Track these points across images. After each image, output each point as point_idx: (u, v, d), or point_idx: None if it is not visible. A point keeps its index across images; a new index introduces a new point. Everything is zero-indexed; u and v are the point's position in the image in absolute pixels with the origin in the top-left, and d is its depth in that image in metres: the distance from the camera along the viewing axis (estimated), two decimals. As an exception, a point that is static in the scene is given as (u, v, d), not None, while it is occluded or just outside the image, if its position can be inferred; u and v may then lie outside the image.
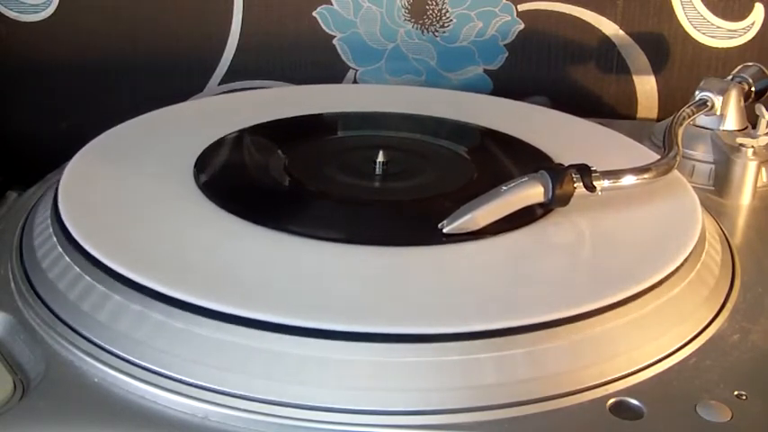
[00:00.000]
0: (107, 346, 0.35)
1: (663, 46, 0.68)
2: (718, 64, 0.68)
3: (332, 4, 0.69)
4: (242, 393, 0.32)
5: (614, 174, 0.42)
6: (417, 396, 0.32)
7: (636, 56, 0.69)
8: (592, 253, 0.41)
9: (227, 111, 0.58)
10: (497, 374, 0.33)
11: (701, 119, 0.54)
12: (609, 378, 0.34)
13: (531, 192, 0.41)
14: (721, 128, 0.54)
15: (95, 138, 0.51)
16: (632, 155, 0.49)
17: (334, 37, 0.70)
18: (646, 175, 0.43)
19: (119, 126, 0.53)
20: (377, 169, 0.48)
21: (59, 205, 0.42)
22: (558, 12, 0.68)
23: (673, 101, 0.69)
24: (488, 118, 0.57)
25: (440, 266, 0.38)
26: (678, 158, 0.46)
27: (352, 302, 0.35)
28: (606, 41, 0.69)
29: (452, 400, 0.32)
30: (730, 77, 0.56)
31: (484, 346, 0.33)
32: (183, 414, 0.32)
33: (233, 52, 0.70)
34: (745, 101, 0.55)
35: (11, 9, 0.69)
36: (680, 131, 0.49)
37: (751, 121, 0.54)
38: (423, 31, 0.69)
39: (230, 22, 0.70)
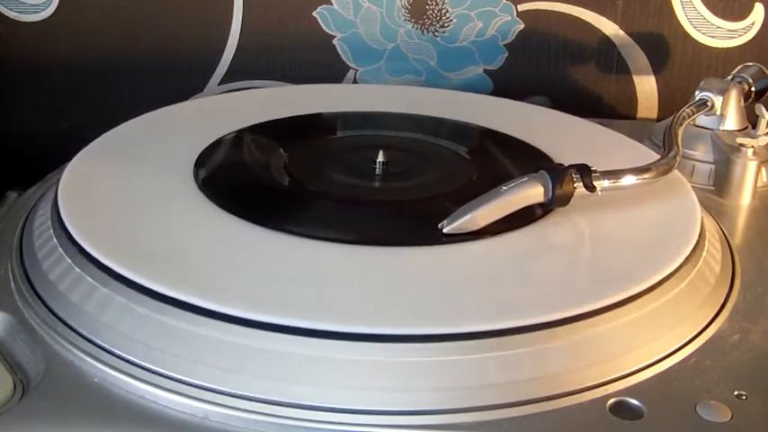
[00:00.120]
0: (107, 346, 0.35)
1: (663, 46, 0.68)
2: (718, 64, 0.68)
3: (332, 4, 0.69)
4: (242, 393, 0.32)
5: (614, 174, 0.42)
6: (417, 396, 0.32)
7: (636, 56, 0.69)
8: (592, 253, 0.41)
9: (227, 111, 0.58)
10: (497, 374, 0.33)
11: (701, 119, 0.54)
12: (609, 378, 0.34)
13: (531, 192, 0.41)
14: (721, 128, 0.54)
15: (96, 138, 0.51)
16: (632, 155, 0.49)
17: (334, 37, 0.70)
18: (646, 175, 0.43)
19: (119, 126, 0.53)
20: (377, 169, 0.48)
21: (59, 205, 0.42)
22: (558, 12, 0.68)
23: (673, 101, 0.69)
24: (488, 118, 0.57)
25: (440, 266, 0.38)
26: (678, 158, 0.45)
27: (351, 302, 0.35)
28: (606, 41, 0.69)
29: (452, 400, 0.32)
30: (730, 77, 0.56)
31: (484, 346, 0.33)
32: (183, 414, 0.32)
33: (233, 52, 0.70)
34: (745, 101, 0.55)
35: (11, 9, 0.69)
36: (680, 131, 0.49)
37: (751, 121, 0.54)
38: (423, 31, 0.69)
39: (230, 22, 0.70)
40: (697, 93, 0.55)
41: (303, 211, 0.44)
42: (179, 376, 0.33)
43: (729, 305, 0.40)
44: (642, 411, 0.33)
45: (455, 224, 0.40)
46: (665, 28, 0.68)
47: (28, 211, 0.46)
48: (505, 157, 0.52)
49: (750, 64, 0.57)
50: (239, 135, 0.53)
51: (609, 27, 0.68)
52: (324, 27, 0.70)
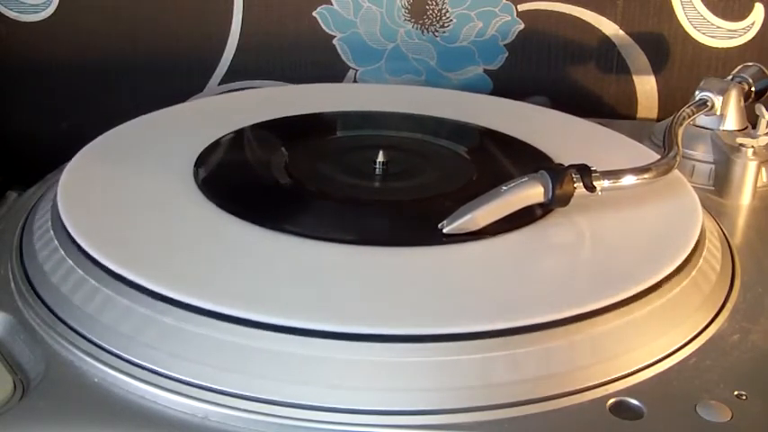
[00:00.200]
0: (107, 346, 0.35)
1: (663, 46, 0.68)
2: (718, 64, 0.68)
3: (332, 4, 0.69)
4: (242, 393, 0.32)
5: (614, 174, 0.42)
6: (417, 396, 0.32)
7: (636, 56, 0.69)
8: (592, 253, 0.41)
9: (227, 111, 0.58)
10: (497, 374, 0.33)
11: (701, 119, 0.54)
12: (609, 378, 0.34)
13: (531, 192, 0.41)
14: (721, 128, 0.54)
15: (95, 138, 0.51)
16: (632, 155, 0.49)
17: (334, 37, 0.70)
18: (646, 175, 0.43)
19: (119, 126, 0.53)
20: (377, 169, 0.48)
21: (59, 205, 0.42)
22: (558, 12, 0.68)
23: (673, 101, 0.69)
24: (488, 118, 0.57)
25: (440, 267, 0.38)
26: (678, 158, 0.45)
27: (351, 302, 0.35)
28: (606, 41, 0.69)
29: (452, 400, 0.32)
30: (730, 77, 0.56)
31: (484, 347, 0.33)
32: (183, 414, 0.32)
33: (233, 52, 0.70)
34: (745, 101, 0.55)
35: (11, 9, 0.69)
36: (680, 131, 0.49)
37: (751, 121, 0.54)
38: (423, 31, 0.69)
39: (230, 22, 0.70)
40: (697, 93, 0.55)
41: (303, 211, 0.44)
42: (179, 376, 0.33)
43: (729, 305, 0.40)
44: (642, 411, 0.33)
45: (455, 224, 0.40)
46: (665, 28, 0.68)
47: (28, 211, 0.46)
48: (505, 157, 0.52)
49: (750, 64, 0.57)
50: (239, 135, 0.53)
51: (609, 27, 0.68)
52: (324, 27, 0.70)
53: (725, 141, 0.52)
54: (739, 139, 0.52)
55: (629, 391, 0.34)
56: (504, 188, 0.41)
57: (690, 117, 0.52)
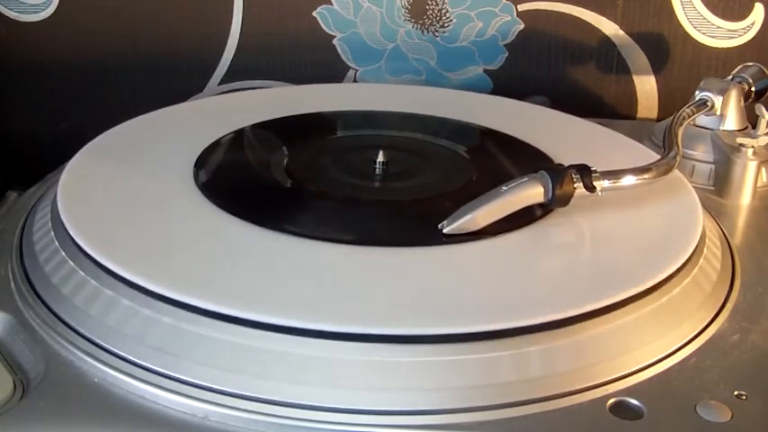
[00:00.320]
0: (107, 346, 0.35)
1: (663, 46, 0.68)
2: (718, 64, 0.68)
3: (332, 4, 0.69)
4: (242, 393, 0.32)
5: (614, 174, 0.42)
6: (417, 396, 0.32)
7: (636, 56, 0.69)
8: (592, 253, 0.41)
9: (227, 111, 0.58)
10: (497, 375, 0.33)
11: (701, 119, 0.54)
12: (609, 378, 0.34)
13: (532, 192, 0.41)
14: (721, 128, 0.54)
15: (95, 138, 0.51)
16: (632, 155, 0.49)
17: (334, 37, 0.70)
18: (646, 176, 0.43)
19: (119, 126, 0.53)
20: (377, 169, 0.48)
21: (59, 205, 0.42)
22: (558, 12, 0.68)
23: (673, 101, 0.69)
24: (488, 118, 0.57)
25: (440, 267, 0.38)
26: (678, 158, 0.45)
27: (352, 303, 0.35)
28: (606, 41, 0.69)
29: (452, 400, 0.32)
30: (730, 77, 0.56)
31: (484, 347, 0.33)
32: (183, 414, 0.32)
33: (233, 52, 0.70)
34: (745, 101, 0.55)
35: (11, 9, 0.69)
36: (680, 131, 0.49)
37: (751, 121, 0.54)
38: (423, 31, 0.69)
39: (230, 22, 0.70)
40: (697, 93, 0.55)
41: (303, 211, 0.44)
42: (179, 376, 0.33)
43: (729, 305, 0.40)
44: (642, 411, 0.33)
45: (455, 224, 0.40)
46: (665, 28, 0.68)
47: (28, 211, 0.46)
48: (505, 157, 0.52)
49: (750, 64, 0.57)
50: (239, 135, 0.53)
51: (609, 27, 0.68)
52: (324, 27, 0.70)
53: (725, 141, 0.52)
54: (739, 139, 0.52)
55: (629, 391, 0.34)
56: (505, 188, 0.41)
57: (690, 117, 0.52)
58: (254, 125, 0.54)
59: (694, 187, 0.47)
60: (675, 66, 0.69)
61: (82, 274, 0.37)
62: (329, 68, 0.71)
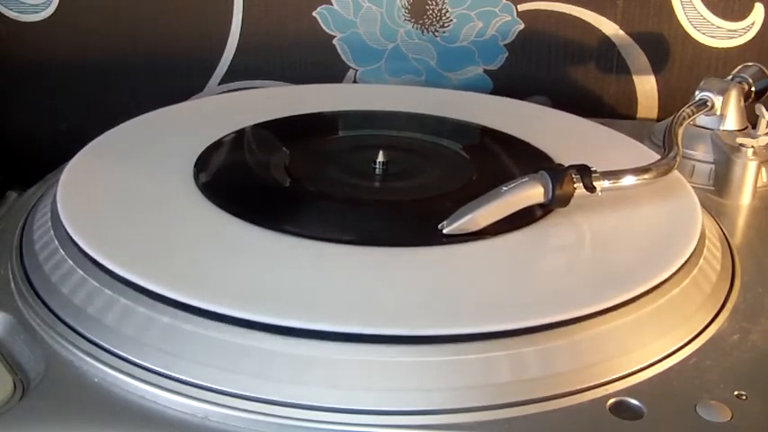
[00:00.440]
0: (107, 346, 0.35)
1: (663, 46, 0.68)
2: (718, 64, 0.68)
3: (332, 4, 0.69)
4: (242, 393, 0.32)
5: (614, 174, 0.42)
6: (417, 396, 0.32)
7: (636, 56, 0.69)
8: (592, 253, 0.41)
9: (227, 111, 0.58)
10: (497, 375, 0.33)
11: (701, 119, 0.54)
12: (609, 378, 0.34)
13: (532, 192, 0.41)
14: (721, 128, 0.54)
15: (95, 138, 0.51)
16: (632, 155, 0.49)
17: (334, 37, 0.70)
18: (646, 176, 0.43)
19: (119, 126, 0.53)
20: (377, 169, 0.48)
21: (59, 205, 0.42)
22: (558, 12, 0.68)
23: (673, 101, 0.69)
24: (488, 118, 0.57)
25: (440, 267, 0.38)
26: (678, 158, 0.45)
27: (352, 303, 0.35)
28: (606, 41, 0.69)
29: (452, 400, 0.32)
30: (730, 77, 0.56)
31: (484, 347, 0.33)
32: (183, 414, 0.32)
33: (233, 52, 0.70)
34: (745, 101, 0.55)
35: (11, 9, 0.69)
36: (680, 131, 0.49)
37: (751, 121, 0.54)
38: (423, 31, 0.69)
39: (230, 22, 0.70)
40: (697, 93, 0.55)
41: (303, 211, 0.44)
42: (179, 376, 0.33)
43: (729, 305, 0.40)
44: (642, 411, 0.33)
45: (455, 225, 0.40)
46: (665, 28, 0.68)
47: (28, 211, 0.46)
48: (505, 157, 0.52)
49: (750, 64, 0.57)
50: (239, 135, 0.53)
51: (609, 27, 0.68)
52: (324, 27, 0.70)
53: (725, 141, 0.52)
54: (739, 139, 0.52)
55: (629, 391, 0.34)
56: (505, 188, 0.41)
57: (690, 117, 0.52)
58: (254, 125, 0.54)
59: (694, 187, 0.47)
60: (675, 66, 0.69)
61: (82, 274, 0.37)
62: (329, 68, 0.71)
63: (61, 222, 0.40)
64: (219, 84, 0.71)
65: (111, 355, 0.34)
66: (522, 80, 0.70)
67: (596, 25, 0.68)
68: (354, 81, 0.71)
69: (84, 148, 0.49)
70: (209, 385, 0.33)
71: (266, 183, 0.47)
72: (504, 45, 0.69)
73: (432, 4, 0.69)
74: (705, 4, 0.67)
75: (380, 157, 0.48)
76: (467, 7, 0.68)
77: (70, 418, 0.32)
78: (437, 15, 0.69)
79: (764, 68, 0.56)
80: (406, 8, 0.69)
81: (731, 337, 0.37)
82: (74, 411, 0.32)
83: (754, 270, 0.43)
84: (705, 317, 0.38)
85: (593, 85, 0.70)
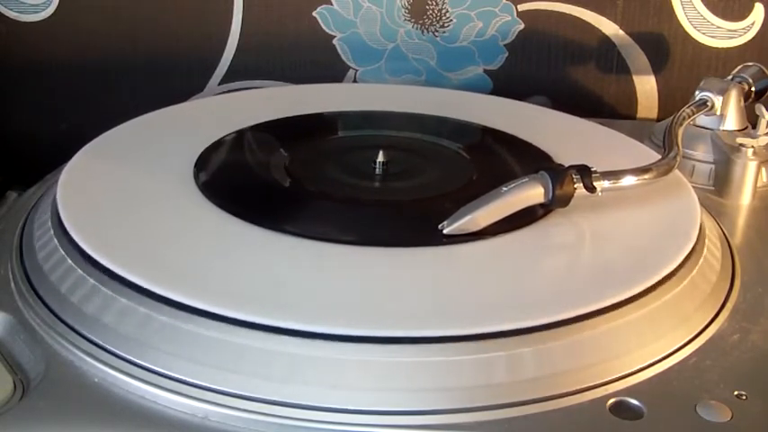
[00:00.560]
0: (107, 346, 0.35)
1: (663, 46, 0.68)
2: (718, 64, 0.68)
3: (332, 4, 0.69)
4: (242, 393, 0.32)
5: (614, 174, 0.42)
6: (417, 396, 0.32)
7: (636, 56, 0.69)
8: (592, 253, 0.41)
9: (227, 111, 0.58)
10: (497, 375, 0.33)
11: (701, 119, 0.54)
12: (609, 378, 0.34)
13: (532, 192, 0.41)
14: (721, 128, 0.54)
15: (95, 138, 0.51)
16: (632, 155, 0.49)
17: (334, 37, 0.70)
18: (646, 176, 0.43)
19: (118, 126, 0.53)
20: (377, 169, 0.48)
21: (59, 205, 0.42)
22: (558, 12, 0.68)
23: (673, 101, 0.69)
24: (488, 118, 0.57)
25: (440, 267, 0.38)
26: (678, 159, 0.45)
27: (352, 303, 0.35)
28: (606, 41, 0.69)
29: (452, 400, 0.32)
30: (730, 77, 0.56)
31: (484, 347, 0.33)
32: (183, 414, 0.32)
33: (233, 52, 0.70)
34: (745, 101, 0.55)
35: (11, 9, 0.69)
36: (680, 131, 0.49)
37: (751, 121, 0.54)
38: (423, 31, 0.69)
39: (230, 22, 0.70)
40: (697, 93, 0.55)
41: (303, 211, 0.44)
42: (179, 376, 0.33)
43: (729, 305, 0.40)
44: (642, 411, 0.33)
45: (455, 225, 0.40)
46: (665, 28, 0.68)
47: (28, 211, 0.46)
48: (505, 157, 0.52)
49: (750, 64, 0.57)
50: (239, 135, 0.53)
51: (609, 27, 0.68)
52: (324, 27, 0.70)
53: (725, 141, 0.52)
54: (739, 139, 0.52)
55: (629, 391, 0.34)
56: (505, 189, 0.41)
57: (690, 117, 0.52)
58: (254, 125, 0.54)
59: (694, 187, 0.47)
60: (675, 66, 0.69)
61: (82, 274, 0.37)
62: (329, 68, 0.71)
63: (61, 222, 0.40)
64: (219, 84, 0.71)
65: (111, 355, 0.34)
66: (522, 80, 0.70)
67: (596, 25, 0.68)
68: (354, 81, 0.71)
69: (84, 148, 0.49)
70: (209, 385, 0.33)
71: (266, 183, 0.47)
72: (504, 45, 0.69)
73: (432, 4, 0.69)
74: (705, 4, 0.67)
75: (380, 157, 0.48)
76: (467, 7, 0.68)
77: (70, 418, 0.32)
78: (437, 15, 0.69)
79: (764, 68, 0.56)
80: (406, 8, 0.69)
81: (731, 337, 0.37)
82: (74, 411, 0.32)
83: (754, 270, 0.43)
84: (705, 317, 0.38)
85: (593, 85, 0.70)
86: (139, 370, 0.34)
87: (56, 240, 0.40)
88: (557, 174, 0.41)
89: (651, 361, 0.35)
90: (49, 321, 0.37)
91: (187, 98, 0.70)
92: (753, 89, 0.55)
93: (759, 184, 0.52)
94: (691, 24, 0.67)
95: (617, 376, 0.34)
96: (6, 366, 0.34)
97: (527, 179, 0.41)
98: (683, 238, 0.41)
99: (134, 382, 0.33)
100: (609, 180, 0.42)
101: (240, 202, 0.43)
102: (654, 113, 0.70)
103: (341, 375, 0.32)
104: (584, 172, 0.41)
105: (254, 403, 0.32)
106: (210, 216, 0.42)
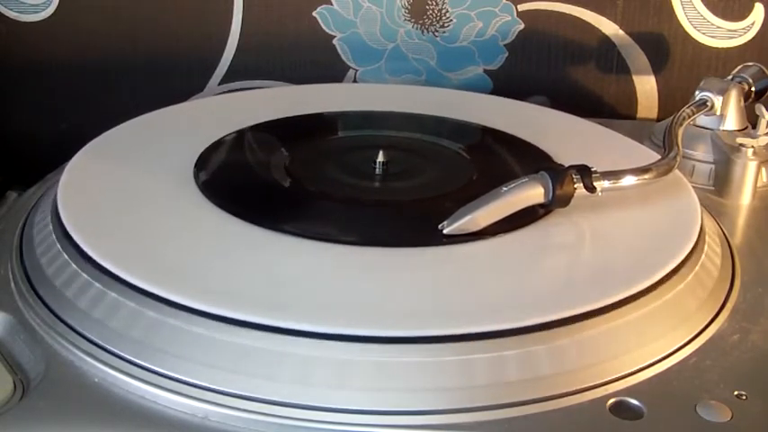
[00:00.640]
0: (107, 346, 0.35)
1: (663, 46, 0.68)
2: (718, 64, 0.68)
3: (332, 4, 0.69)
4: (242, 393, 0.32)
5: (614, 174, 0.42)
6: (417, 396, 0.32)
7: (636, 56, 0.69)
8: (592, 253, 0.41)
9: (227, 111, 0.58)
10: (497, 375, 0.33)
11: (701, 119, 0.54)
12: (609, 378, 0.34)
13: (532, 192, 0.41)
14: (721, 128, 0.54)
15: (95, 138, 0.51)
16: (632, 155, 0.49)
17: (334, 37, 0.70)
18: (646, 176, 0.43)
19: (118, 126, 0.53)
20: (377, 169, 0.48)
21: (59, 205, 0.42)
22: (558, 12, 0.68)
23: (673, 101, 0.69)
24: (489, 118, 0.57)
25: (440, 267, 0.38)
26: (678, 159, 0.45)
27: (352, 303, 0.35)
28: (606, 41, 0.69)
29: (452, 400, 0.32)
30: (730, 77, 0.56)
31: (484, 347, 0.33)
32: (183, 414, 0.32)
33: (233, 52, 0.70)
34: (745, 101, 0.55)
35: (11, 9, 0.69)
36: (680, 131, 0.49)
37: (751, 121, 0.54)
38: (423, 31, 0.69)
39: (230, 22, 0.70)
40: (697, 93, 0.55)
41: (303, 211, 0.44)
42: (179, 376, 0.33)
43: (729, 305, 0.40)
44: (642, 411, 0.33)
45: (455, 225, 0.40)
46: (665, 28, 0.68)
47: (28, 211, 0.46)
48: (506, 157, 0.52)
49: (750, 64, 0.57)
50: (239, 135, 0.53)
51: (609, 27, 0.68)
52: (324, 27, 0.70)
53: (725, 141, 0.52)
54: (739, 139, 0.52)
55: (629, 391, 0.34)
56: (505, 189, 0.41)
57: (690, 117, 0.52)
58: (254, 125, 0.54)
59: (694, 187, 0.47)
60: (675, 66, 0.69)
61: (82, 274, 0.37)
62: (329, 68, 0.71)
63: (61, 222, 0.40)
64: (219, 84, 0.71)
65: (111, 355, 0.34)
66: (522, 80, 0.70)
67: (596, 25, 0.68)
68: (354, 81, 0.71)
69: (84, 148, 0.49)
70: (210, 385, 0.33)
71: (266, 183, 0.47)
72: (504, 45, 0.69)
73: (432, 4, 0.69)
74: (705, 4, 0.67)
75: (380, 158, 0.48)
76: (467, 7, 0.68)
77: (70, 418, 0.32)
78: (437, 15, 0.69)
79: (764, 68, 0.56)
80: (406, 8, 0.69)
81: (731, 337, 0.37)
82: (74, 411, 0.32)
83: (754, 270, 0.43)
84: (705, 317, 0.38)
85: (593, 85, 0.70)
86: (139, 370, 0.34)
87: (56, 240, 0.40)
88: (557, 174, 0.41)
89: (651, 361, 0.35)
90: (49, 321, 0.37)
91: (187, 98, 0.70)
92: (753, 89, 0.55)
93: (759, 184, 0.52)
94: (691, 24, 0.67)
95: (617, 376, 0.34)
96: (6, 366, 0.34)
97: (527, 179, 0.41)
98: (683, 238, 0.41)
99: (134, 382, 0.33)
100: (609, 180, 0.42)
101: (240, 202, 0.43)
102: (654, 113, 0.70)
103: (341, 375, 0.32)
104: (584, 172, 0.41)
105: (254, 403, 0.32)
106: (210, 216, 0.42)
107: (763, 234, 0.47)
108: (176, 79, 0.71)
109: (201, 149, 0.49)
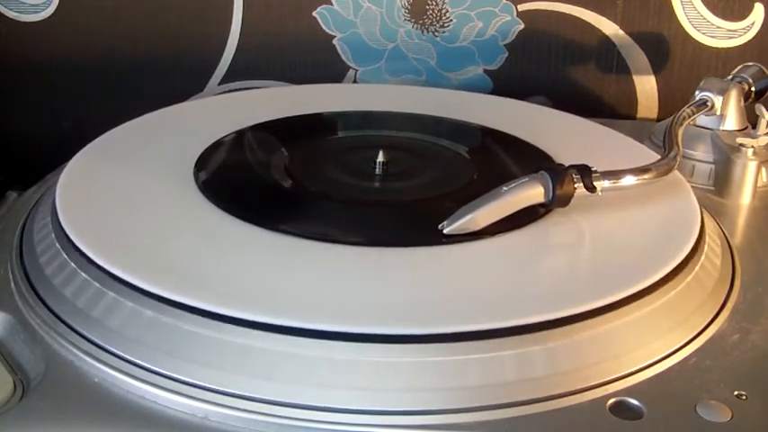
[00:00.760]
0: (107, 346, 0.35)
1: (663, 46, 0.68)
2: (718, 64, 0.68)
3: (332, 4, 0.69)
4: (242, 393, 0.32)
5: (614, 174, 0.42)
6: (417, 396, 0.32)
7: (636, 56, 0.69)
8: (592, 253, 0.41)
9: (227, 111, 0.58)
10: (498, 375, 0.33)
11: (701, 119, 0.54)
12: (609, 378, 0.34)
13: (532, 192, 0.41)
14: (721, 128, 0.54)
15: (95, 138, 0.51)
16: (632, 155, 0.49)
17: (334, 37, 0.70)
18: (646, 176, 0.43)
19: (119, 126, 0.53)
20: (377, 169, 0.48)
21: (58, 205, 0.42)
22: (558, 12, 0.68)
23: (673, 101, 0.69)
24: (488, 118, 0.57)
25: (440, 267, 0.38)
26: (678, 159, 0.45)
27: (352, 303, 0.35)
28: (606, 41, 0.69)
29: (452, 400, 0.32)
30: (730, 77, 0.56)
31: (484, 347, 0.33)
32: (183, 414, 0.32)
33: (233, 52, 0.70)
34: (745, 101, 0.55)
35: (11, 9, 0.69)
36: (680, 131, 0.49)
37: (751, 121, 0.54)
38: (423, 31, 0.69)
39: (230, 22, 0.70)
40: (697, 93, 0.55)
41: (303, 211, 0.44)
42: (179, 376, 0.33)
43: (729, 305, 0.40)
44: (642, 411, 0.33)
45: (455, 225, 0.40)
46: (665, 28, 0.68)
47: (28, 211, 0.46)
48: (506, 157, 0.52)
49: (750, 64, 0.57)
50: (239, 135, 0.53)
51: (609, 27, 0.68)
52: (324, 27, 0.70)
53: (725, 141, 0.52)
54: (739, 139, 0.52)
55: (629, 391, 0.34)
56: (505, 189, 0.41)
57: (690, 117, 0.52)
58: (254, 125, 0.54)
59: (694, 187, 0.47)
60: (675, 66, 0.69)
61: (82, 274, 0.37)
62: (329, 68, 0.71)
63: (61, 223, 0.40)
64: (219, 84, 0.71)
65: (112, 355, 0.34)
66: (522, 80, 0.70)
67: (596, 25, 0.68)
68: (354, 81, 0.71)
69: (84, 149, 0.49)
70: (210, 385, 0.33)
71: (266, 183, 0.47)
72: (504, 45, 0.69)
73: (432, 4, 0.69)
74: (705, 4, 0.67)
75: (380, 158, 0.48)
76: (467, 7, 0.68)
77: (70, 418, 0.32)
78: (437, 15, 0.69)
79: (764, 68, 0.56)
80: (406, 8, 0.69)
81: (731, 337, 0.37)
82: (74, 411, 0.32)
83: (754, 270, 0.43)
84: (705, 317, 0.38)
85: (593, 85, 0.70)
86: (139, 370, 0.34)
87: (56, 240, 0.40)
88: (557, 173, 0.41)
89: (651, 361, 0.35)
90: (49, 321, 0.37)
91: (187, 98, 0.70)
92: (753, 89, 0.55)
93: (759, 184, 0.52)
94: (691, 24, 0.67)
95: (617, 376, 0.34)
96: (6, 366, 0.34)
97: (527, 179, 0.41)
98: (683, 238, 0.41)
99: (134, 382, 0.33)
100: (609, 180, 0.42)
101: (240, 202, 0.43)
102: (654, 113, 0.70)
103: (341, 375, 0.32)
104: (585, 172, 0.41)
105: (254, 403, 0.32)
106: (210, 216, 0.42)
107: (763, 234, 0.47)
108: (176, 79, 0.71)
109: (201, 149, 0.49)
